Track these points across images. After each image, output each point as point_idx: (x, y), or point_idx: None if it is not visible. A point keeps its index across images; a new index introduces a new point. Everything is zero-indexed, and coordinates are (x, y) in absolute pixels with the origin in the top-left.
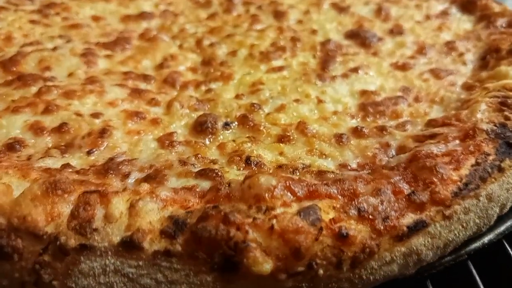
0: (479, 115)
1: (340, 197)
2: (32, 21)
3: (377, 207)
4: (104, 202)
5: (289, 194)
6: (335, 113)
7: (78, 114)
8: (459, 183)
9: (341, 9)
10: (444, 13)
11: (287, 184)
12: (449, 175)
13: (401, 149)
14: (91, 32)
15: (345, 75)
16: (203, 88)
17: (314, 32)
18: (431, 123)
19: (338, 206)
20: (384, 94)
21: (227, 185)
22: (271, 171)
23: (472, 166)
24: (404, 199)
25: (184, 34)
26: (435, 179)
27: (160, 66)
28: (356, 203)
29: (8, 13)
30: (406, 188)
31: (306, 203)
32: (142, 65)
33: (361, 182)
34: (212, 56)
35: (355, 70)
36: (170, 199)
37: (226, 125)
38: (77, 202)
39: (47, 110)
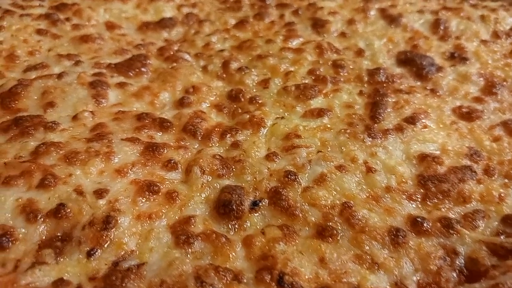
0: None
1: None
2: (39, 31)
3: None
4: None
5: None
6: (388, 189)
7: (79, 192)
8: None
9: (391, 19)
10: None
11: None
12: None
13: (471, 262)
14: (104, 47)
15: (399, 128)
16: (229, 139)
17: (360, 53)
18: (508, 221)
19: None
20: (447, 160)
21: None
22: None
23: None
24: None
25: (209, 51)
26: None
27: (180, 103)
28: None
29: (13, 19)
30: None
31: None
32: (159, 99)
33: None
34: (240, 86)
35: (411, 120)
36: None
37: (254, 205)
38: None
39: (43, 184)
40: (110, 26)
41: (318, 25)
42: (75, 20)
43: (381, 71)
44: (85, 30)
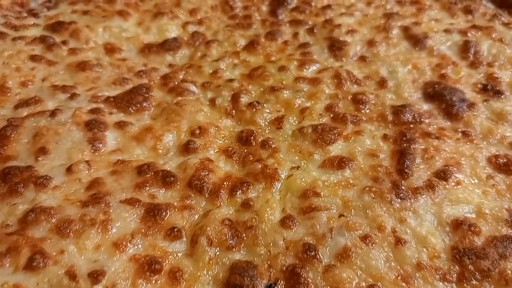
0: None
1: None
2: (33, 57)
3: None
4: None
5: None
6: (419, 266)
7: (72, 275)
8: None
9: (415, 40)
10: None
11: None
12: None
13: None
14: (102, 75)
15: (430, 186)
16: (239, 197)
17: (382, 83)
18: None
19: None
20: (484, 227)
21: None
22: None
23: None
24: None
25: (217, 80)
26: None
27: (186, 148)
28: None
29: (5, 44)
30: None
31: None
32: (163, 142)
33: None
34: (251, 126)
35: (443, 174)
36: None
37: None
38: None
39: (31, 266)
40: (110, 49)
41: (336, 47)
42: (72, 43)
43: (407, 109)
44: (83, 55)
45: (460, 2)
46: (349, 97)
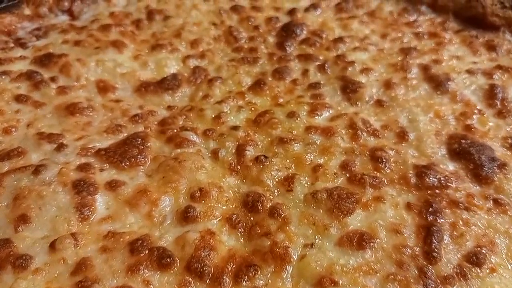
0: None
1: None
2: (18, 98)
3: None
4: None
5: None
6: None
7: None
8: None
9: (436, 83)
10: None
11: None
12: None
13: None
14: (94, 120)
15: (461, 274)
16: (245, 285)
17: (403, 136)
18: None
19: None
20: None
21: None
22: None
23: None
24: None
25: (220, 126)
26: None
27: (184, 216)
28: None
29: None
30: None
31: None
32: (158, 208)
33: None
34: (257, 187)
35: (475, 258)
36: None
37: None
38: None
39: None
40: (103, 87)
41: (350, 89)
42: (61, 80)
43: (431, 171)
44: (73, 94)
45: (481, 36)
46: (366, 153)
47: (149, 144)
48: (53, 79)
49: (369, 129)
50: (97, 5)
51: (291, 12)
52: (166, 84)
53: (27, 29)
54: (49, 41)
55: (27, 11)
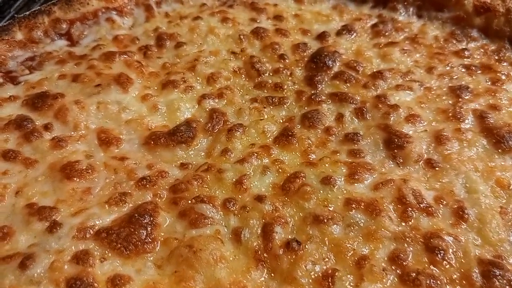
0: None
1: None
2: (6, 155)
3: None
4: None
5: None
6: None
7: None
8: None
9: (496, 139)
10: None
11: None
12: None
13: None
14: (95, 185)
15: None
16: None
17: (461, 214)
18: None
19: None
20: None
21: None
22: None
23: None
24: None
25: (242, 194)
26: None
27: None
28: None
29: None
30: None
31: None
32: None
33: None
34: (288, 285)
35: None
36: None
37: None
38: None
39: None
40: (105, 140)
41: (395, 144)
42: (56, 128)
43: (499, 271)
44: (70, 148)
45: None
46: (420, 240)
47: (158, 220)
48: (46, 127)
49: (420, 203)
50: (99, 27)
51: (321, 36)
52: (179, 135)
53: (18, 59)
54: (44, 74)
55: (19, 35)
